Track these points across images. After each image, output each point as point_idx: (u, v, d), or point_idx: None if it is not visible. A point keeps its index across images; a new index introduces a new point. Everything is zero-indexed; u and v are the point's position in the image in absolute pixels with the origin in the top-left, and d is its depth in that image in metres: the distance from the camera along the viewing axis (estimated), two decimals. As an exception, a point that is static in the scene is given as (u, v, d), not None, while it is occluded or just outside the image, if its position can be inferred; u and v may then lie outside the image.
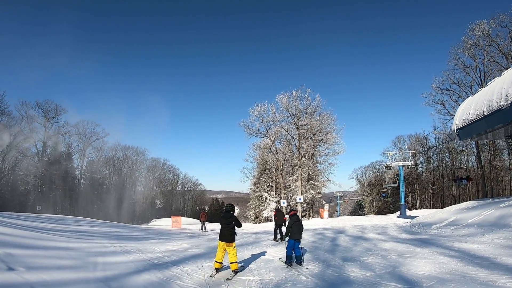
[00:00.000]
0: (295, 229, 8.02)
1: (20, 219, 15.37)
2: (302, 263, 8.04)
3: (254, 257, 9.67)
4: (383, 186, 56.51)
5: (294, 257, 8.08)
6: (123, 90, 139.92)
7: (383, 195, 45.97)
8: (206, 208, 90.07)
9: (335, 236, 15.09)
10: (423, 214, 22.13)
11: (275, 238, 14.16)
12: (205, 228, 23.50)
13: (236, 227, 7.24)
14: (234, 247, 7.16)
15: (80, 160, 62.10)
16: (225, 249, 7.06)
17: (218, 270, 7.12)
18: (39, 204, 47.10)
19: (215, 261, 7.09)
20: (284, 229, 9.93)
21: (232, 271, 7.03)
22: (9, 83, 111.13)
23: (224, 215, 7.22)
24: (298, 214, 9.24)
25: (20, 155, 49.08)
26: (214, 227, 35.45)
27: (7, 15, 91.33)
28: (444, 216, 16.29)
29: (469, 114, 17.28)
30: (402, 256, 8.78)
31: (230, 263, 7.08)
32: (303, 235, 9.55)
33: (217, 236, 7.29)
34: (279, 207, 26.49)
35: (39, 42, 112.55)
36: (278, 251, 10.90)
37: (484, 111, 15.83)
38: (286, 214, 37.92)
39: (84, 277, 5.73)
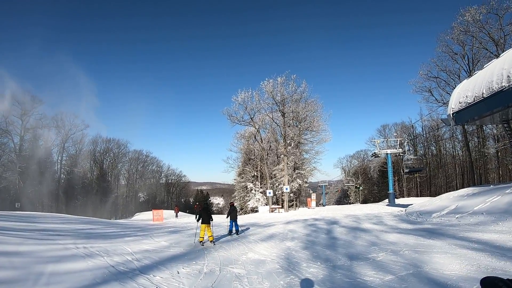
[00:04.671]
0: (233, 214, 12.78)
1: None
2: (239, 233, 12.89)
3: (241, 257, 8.24)
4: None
5: (234, 230, 12.84)
6: (102, 81, 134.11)
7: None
8: (190, 200, 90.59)
9: (329, 227, 13.84)
10: (417, 202, 21.21)
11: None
12: (177, 217, 32.44)
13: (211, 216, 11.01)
14: (210, 227, 10.73)
15: (59, 154, 58.82)
16: (205, 229, 10.52)
17: (202, 242, 10.42)
18: (18, 201, 44.79)
19: (200, 236, 10.52)
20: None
21: (211, 241, 10.54)
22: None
23: (204, 209, 10.96)
24: (236, 205, 15.25)
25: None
26: (186, 215, 38.54)
27: None
28: (443, 204, 15.29)
29: (466, 97, 16.39)
30: (417, 251, 7.51)
31: (209, 236, 10.56)
32: (293, 227, 15.15)
33: (198, 231, 11.13)
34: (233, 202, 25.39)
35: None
36: (268, 248, 9.53)
37: (483, 93, 14.97)
38: (266, 205, 37.15)
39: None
